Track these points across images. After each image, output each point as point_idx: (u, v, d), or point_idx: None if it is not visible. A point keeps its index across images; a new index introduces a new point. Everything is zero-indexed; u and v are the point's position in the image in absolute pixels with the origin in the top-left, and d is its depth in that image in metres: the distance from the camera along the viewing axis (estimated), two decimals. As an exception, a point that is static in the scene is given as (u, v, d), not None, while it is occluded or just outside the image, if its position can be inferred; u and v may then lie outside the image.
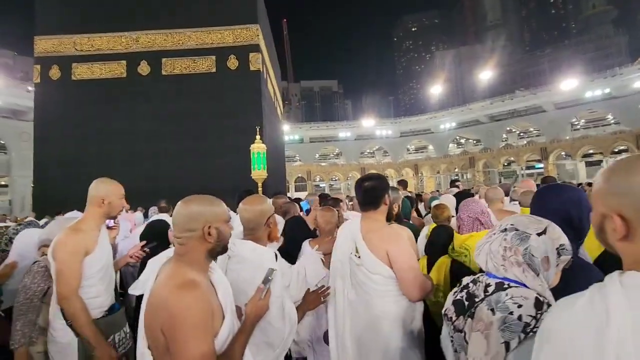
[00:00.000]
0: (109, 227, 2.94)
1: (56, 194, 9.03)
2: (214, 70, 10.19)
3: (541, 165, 40.34)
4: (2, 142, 30.97)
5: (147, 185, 8.08)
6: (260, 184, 6.76)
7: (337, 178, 53.13)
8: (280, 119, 18.03)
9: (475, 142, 52.17)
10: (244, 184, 7.35)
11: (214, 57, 10.17)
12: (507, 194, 5.31)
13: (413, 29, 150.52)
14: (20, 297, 1.93)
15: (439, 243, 2.39)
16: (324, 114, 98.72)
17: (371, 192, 1.88)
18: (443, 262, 2.19)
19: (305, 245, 2.61)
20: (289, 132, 55.32)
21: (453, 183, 7.30)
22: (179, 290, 1.06)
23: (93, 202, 2.01)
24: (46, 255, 2.05)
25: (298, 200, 4.72)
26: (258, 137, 6.85)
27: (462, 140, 55.00)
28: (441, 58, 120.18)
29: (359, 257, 1.81)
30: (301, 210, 3.77)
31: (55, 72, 9.99)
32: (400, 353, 1.76)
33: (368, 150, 59.38)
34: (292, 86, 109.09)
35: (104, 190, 2.02)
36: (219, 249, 1.25)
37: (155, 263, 1.34)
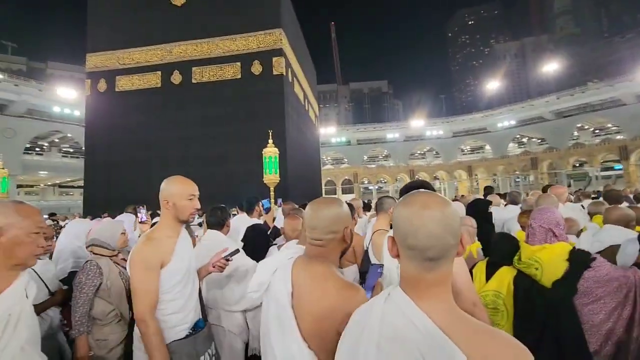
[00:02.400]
0: (141, 222, 3.07)
1: (104, 197, 9.90)
2: (239, 76, 10.45)
3: (620, 166, 35.43)
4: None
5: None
6: (272, 189, 6.72)
7: (385, 180, 51.87)
8: (314, 123, 18.00)
9: (539, 141, 47.57)
10: (277, 188, 7.43)
11: (239, 64, 10.45)
12: (515, 203, 4.64)
13: (470, 23, 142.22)
14: (76, 292, 2.10)
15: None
16: (373, 116, 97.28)
17: None
18: (506, 272, 2.07)
19: (274, 250, 2.87)
20: (336, 134, 55.36)
21: (488, 190, 6.64)
22: (348, 291, 1.12)
23: (162, 205, 1.83)
24: (95, 254, 2.27)
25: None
26: (270, 141, 6.82)
27: (525, 140, 50.52)
28: (501, 51, 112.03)
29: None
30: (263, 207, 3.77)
31: (102, 85, 11.06)
32: None
33: (418, 152, 57.21)
34: (341, 88, 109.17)
35: (167, 190, 1.81)
36: (347, 248, 1.31)
37: (267, 265, 1.34)
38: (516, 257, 2.06)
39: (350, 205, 3.50)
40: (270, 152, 6.71)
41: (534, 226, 2.00)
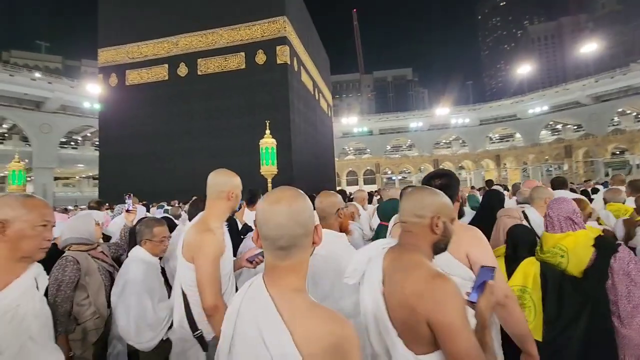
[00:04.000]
0: (127, 211, 3.09)
1: (117, 189, 10.20)
2: (243, 66, 10.32)
3: (665, 153, 32.71)
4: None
5: (184, 182, 8.59)
6: (270, 180, 6.61)
7: (408, 170, 50.77)
8: (327, 113, 17.64)
9: (575, 127, 44.68)
10: (278, 178, 7.34)
11: (243, 54, 10.31)
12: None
13: (502, 4, 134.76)
14: (53, 290, 2.01)
15: None
16: (397, 105, 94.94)
17: (445, 190, 1.66)
18: (530, 263, 2.03)
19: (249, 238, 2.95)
20: (357, 124, 54.59)
21: (489, 183, 6.21)
22: (437, 280, 1.09)
23: (220, 196, 1.84)
24: (73, 250, 2.20)
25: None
26: (268, 131, 6.68)
27: (559, 126, 47.63)
28: (535, 33, 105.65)
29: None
30: None
31: (113, 80, 11.31)
32: None
33: (444, 141, 55.44)
34: (364, 77, 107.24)
35: (230, 182, 1.87)
36: (443, 244, 1.26)
37: (362, 254, 1.38)
38: (537, 248, 2.06)
39: (341, 192, 3.33)
40: (267, 143, 6.58)
41: (552, 216, 2.01)
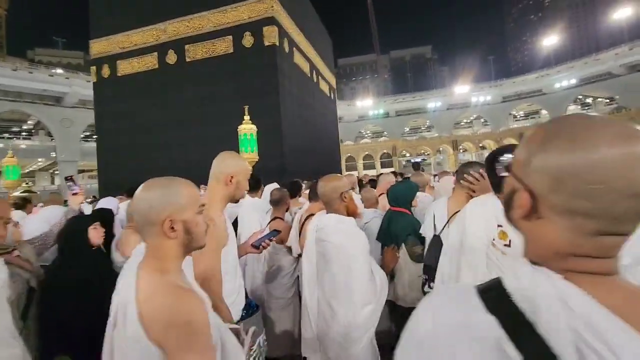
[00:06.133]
0: (73, 194, 2.98)
1: (116, 181, 10.30)
2: (231, 50, 9.98)
3: None
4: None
5: (181, 172, 8.48)
6: (250, 168, 6.36)
7: (427, 152, 49.39)
8: (329, 95, 17.06)
9: (607, 100, 41.75)
10: (269, 165, 7.11)
11: (230, 37, 9.95)
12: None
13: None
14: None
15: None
16: (416, 85, 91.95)
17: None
18: None
19: None
20: (372, 107, 53.33)
21: (415, 166, 5.67)
22: None
23: (219, 179, 1.69)
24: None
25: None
26: (247, 117, 6.39)
27: (589, 100, 44.68)
28: (565, 0, 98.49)
29: (509, 244, 1.50)
30: None
31: (106, 71, 11.28)
32: None
33: (465, 120, 53.38)
34: (380, 58, 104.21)
35: (233, 165, 1.70)
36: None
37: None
38: None
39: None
40: (246, 129, 6.31)
41: None
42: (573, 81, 41.71)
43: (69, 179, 3.05)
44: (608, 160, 0.47)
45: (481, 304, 0.53)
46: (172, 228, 0.99)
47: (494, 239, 1.53)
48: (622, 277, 0.53)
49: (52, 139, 34.97)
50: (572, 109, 44.72)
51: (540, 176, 0.52)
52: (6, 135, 35.40)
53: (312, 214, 2.47)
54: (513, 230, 1.23)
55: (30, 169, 39.13)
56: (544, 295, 0.50)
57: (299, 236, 2.65)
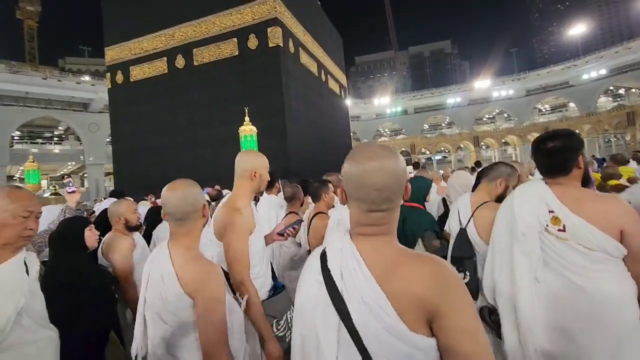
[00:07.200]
0: (69, 192, 3.15)
1: (131, 183, 10.66)
2: (236, 53, 10.10)
3: None
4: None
5: (191, 173, 8.71)
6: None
7: (447, 150, 48.27)
8: (339, 94, 16.91)
9: (640, 91, 39.44)
10: (273, 165, 7.14)
11: (235, 40, 10.07)
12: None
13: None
14: None
15: None
16: (436, 81, 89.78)
17: (559, 154, 1.58)
18: None
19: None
20: (390, 104, 52.60)
21: (416, 165, 5.54)
22: None
23: (244, 176, 1.93)
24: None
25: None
26: (247, 119, 6.44)
27: (621, 91, 42.29)
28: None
29: (563, 229, 1.52)
30: None
31: (120, 77, 11.72)
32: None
33: (487, 116, 51.79)
34: (399, 55, 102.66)
35: (254, 162, 1.95)
36: None
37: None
38: None
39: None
40: (246, 130, 6.36)
41: None
42: (603, 71, 39.59)
43: (66, 177, 3.19)
44: (351, 171, 0.85)
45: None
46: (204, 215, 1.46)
47: (547, 225, 1.56)
48: (393, 238, 0.88)
49: (80, 144, 36.62)
50: (604, 100, 42.50)
51: (343, 177, 0.89)
52: (39, 140, 37.37)
53: (319, 212, 2.79)
54: (565, 215, 1.51)
55: (62, 172, 41.21)
56: (332, 247, 0.89)
57: (307, 234, 2.90)
